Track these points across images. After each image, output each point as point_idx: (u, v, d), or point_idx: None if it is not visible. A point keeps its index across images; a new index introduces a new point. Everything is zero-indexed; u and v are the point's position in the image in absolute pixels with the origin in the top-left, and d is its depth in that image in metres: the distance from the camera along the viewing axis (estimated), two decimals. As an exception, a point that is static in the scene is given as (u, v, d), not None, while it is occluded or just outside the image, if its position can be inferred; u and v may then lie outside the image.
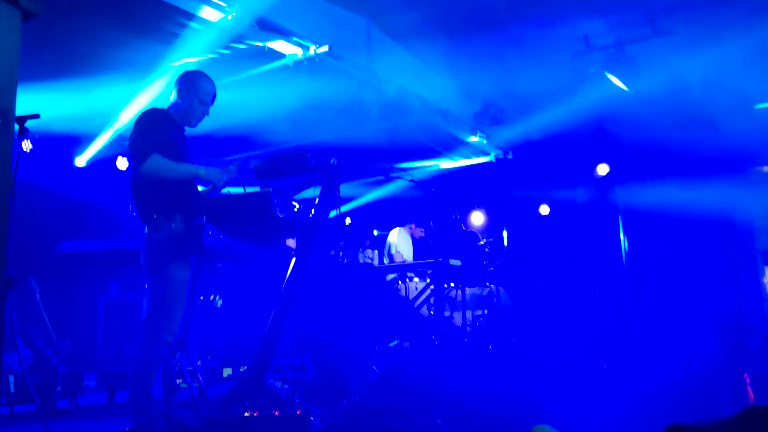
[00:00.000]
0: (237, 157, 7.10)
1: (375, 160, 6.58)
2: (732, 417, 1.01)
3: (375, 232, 8.24)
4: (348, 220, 9.05)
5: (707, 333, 7.23)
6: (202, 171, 3.50)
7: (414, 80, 6.33)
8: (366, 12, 5.68)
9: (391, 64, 5.98)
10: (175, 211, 3.45)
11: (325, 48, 5.08)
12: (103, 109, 6.39)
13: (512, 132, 8.26)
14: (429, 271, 6.30)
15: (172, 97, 3.69)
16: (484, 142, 8.20)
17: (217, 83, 3.73)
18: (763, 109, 7.36)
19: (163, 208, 3.45)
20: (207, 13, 4.87)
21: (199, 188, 3.56)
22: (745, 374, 5.87)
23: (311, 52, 5.07)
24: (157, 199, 3.46)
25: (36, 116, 2.47)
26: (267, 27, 4.89)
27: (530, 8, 5.40)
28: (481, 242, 6.42)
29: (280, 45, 5.11)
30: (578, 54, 6.08)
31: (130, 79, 5.77)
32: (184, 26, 4.98)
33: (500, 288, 6.20)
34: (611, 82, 6.27)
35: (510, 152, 8.76)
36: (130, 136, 3.49)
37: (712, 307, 7.84)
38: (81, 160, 7.24)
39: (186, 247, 3.44)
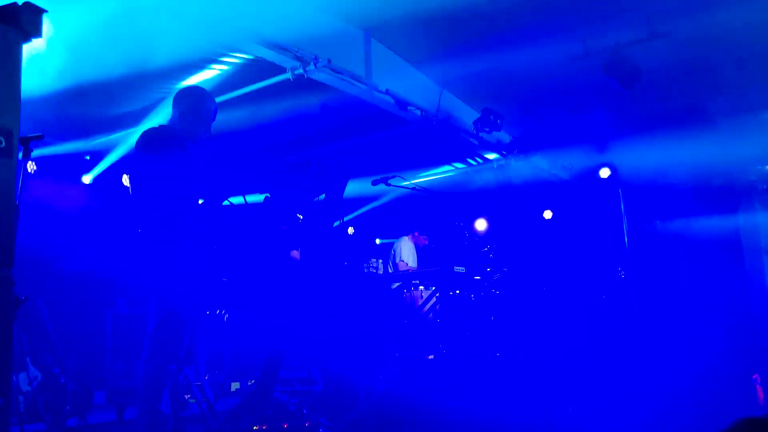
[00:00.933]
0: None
1: (377, 169, 6.60)
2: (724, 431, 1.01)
3: (378, 241, 8.23)
4: (351, 230, 9.08)
5: (716, 332, 7.20)
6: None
7: (413, 89, 6.37)
8: (364, 24, 5.72)
9: (391, 74, 6.02)
10: (177, 226, 3.47)
11: (325, 61, 5.10)
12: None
13: (512, 137, 8.27)
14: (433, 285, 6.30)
15: (173, 115, 3.71)
16: (493, 157, 8.19)
17: (218, 99, 3.76)
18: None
19: (166, 224, 3.48)
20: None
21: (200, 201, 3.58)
22: (756, 374, 5.83)
23: (311, 65, 5.09)
24: (160, 216, 3.48)
25: (40, 137, 2.48)
26: (267, 41, 4.92)
27: (529, 15, 5.43)
28: (485, 249, 6.43)
29: (280, 59, 5.14)
30: (576, 58, 6.10)
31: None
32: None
33: (506, 294, 6.20)
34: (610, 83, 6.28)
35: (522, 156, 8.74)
36: (134, 156, 3.51)
37: (720, 306, 7.81)
38: (87, 178, 7.28)
39: (190, 262, 3.45)
